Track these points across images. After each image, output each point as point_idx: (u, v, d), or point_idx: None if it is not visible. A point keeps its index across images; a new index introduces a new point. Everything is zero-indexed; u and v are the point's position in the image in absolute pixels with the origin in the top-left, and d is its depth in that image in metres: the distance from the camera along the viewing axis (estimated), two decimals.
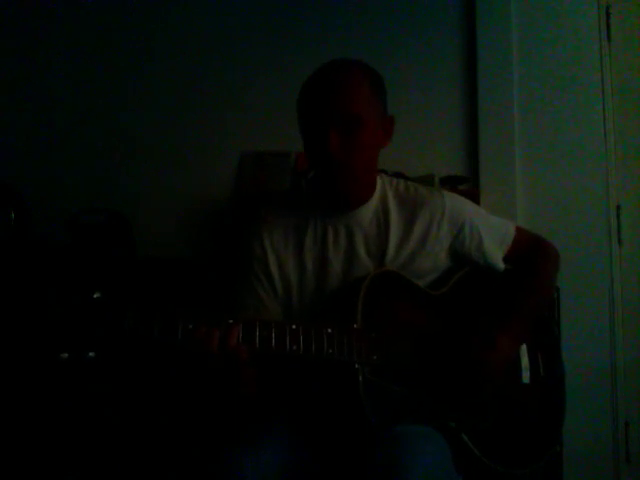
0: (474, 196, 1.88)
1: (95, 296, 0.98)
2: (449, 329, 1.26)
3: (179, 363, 1.53)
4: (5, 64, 2.33)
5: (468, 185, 2.01)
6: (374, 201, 1.29)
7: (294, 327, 1.08)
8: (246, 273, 1.27)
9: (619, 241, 2.05)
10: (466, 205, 1.36)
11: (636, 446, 1.97)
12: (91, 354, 0.98)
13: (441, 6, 2.16)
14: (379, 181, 1.32)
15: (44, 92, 2.31)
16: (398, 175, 1.73)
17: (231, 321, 1.05)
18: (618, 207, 2.06)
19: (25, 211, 2.02)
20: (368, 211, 1.28)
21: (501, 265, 1.36)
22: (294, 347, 1.07)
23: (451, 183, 1.96)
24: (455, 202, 1.33)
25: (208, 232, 2.13)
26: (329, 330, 1.10)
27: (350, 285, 1.22)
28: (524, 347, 1.34)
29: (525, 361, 1.34)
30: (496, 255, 1.35)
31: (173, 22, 2.31)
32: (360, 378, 1.10)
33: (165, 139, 2.24)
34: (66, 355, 0.97)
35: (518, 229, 1.40)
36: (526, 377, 1.33)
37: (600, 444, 1.94)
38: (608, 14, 2.11)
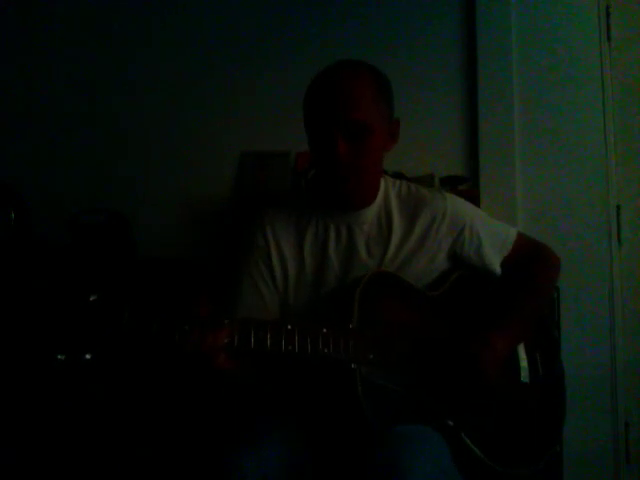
0: (474, 196, 1.88)
1: (91, 299, 0.98)
2: (445, 329, 1.26)
3: (178, 363, 1.53)
4: (5, 64, 2.33)
5: (468, 185, 2.01)
6: (377, 202, 1.30)
7: (290, 327, 1.08)
8: (248, 268, 1.27)
9: (619, 241, 2.04)
10: (467, 208, 1.36)
11: (636, 446, 1.97)
12: (87, 356, 0.98)
13: (441, 6, 2.16)
14: (382, 183, 1.32)
15: (44, 92, 2.31)
16: (398, 175, 1.74)
17: (227, 321, 1.05)
18: (618, 207, 2.06)
19: (25, 211, 2.02)
20: (371, 212, 1.29)
21: (499, 269, 1.36)
22: (289, 347, 1.07)
23: (451, 183, 1.96)
24: (456, 204, 1.34)
25: (208, 232, 2.13)
26: (324, 330, 1.10)
27: (347, 285, 1.22)
28: (522, 347, 1.34)
29: (524, 361, 1.34)
30: (494, 259, 1.35)
31: (174, 22, 2.31)
32: (358, 378, 1.10)
33: (165, 139, 2.24)
34: (63, 357, 0.97)
35: (519, 234, 1.40)
36: (525, 377, 1.33)
37: (600, 444, 1.94)
38: (608, 14, 2.11)
